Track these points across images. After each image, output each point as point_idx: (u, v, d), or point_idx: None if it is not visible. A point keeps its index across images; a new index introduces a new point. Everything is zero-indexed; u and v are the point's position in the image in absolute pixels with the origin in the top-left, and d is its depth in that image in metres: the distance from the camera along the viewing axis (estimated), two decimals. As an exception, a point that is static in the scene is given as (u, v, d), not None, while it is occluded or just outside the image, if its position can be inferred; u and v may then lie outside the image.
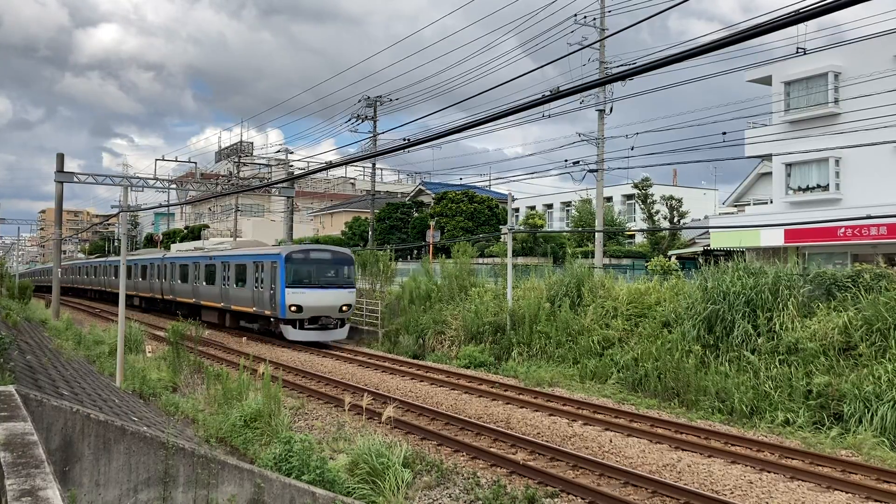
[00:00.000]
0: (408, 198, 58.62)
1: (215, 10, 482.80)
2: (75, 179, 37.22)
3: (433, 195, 50.31)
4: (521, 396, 17.77)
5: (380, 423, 14.32)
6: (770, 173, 33.51)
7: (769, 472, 11.66)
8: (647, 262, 32.12)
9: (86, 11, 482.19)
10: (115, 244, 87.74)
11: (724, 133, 24.73)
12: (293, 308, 27.25)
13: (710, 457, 12.56)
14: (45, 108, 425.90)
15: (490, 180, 53.82)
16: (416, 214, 49.82)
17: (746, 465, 12.01)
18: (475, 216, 44.34)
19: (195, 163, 51.88)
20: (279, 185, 42.84)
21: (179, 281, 38.59)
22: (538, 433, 14.24)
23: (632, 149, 32.14)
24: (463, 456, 12.82)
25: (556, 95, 8.37)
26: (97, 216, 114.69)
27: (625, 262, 37.90)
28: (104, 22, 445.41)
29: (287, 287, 27.28)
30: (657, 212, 41.31)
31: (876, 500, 10.33)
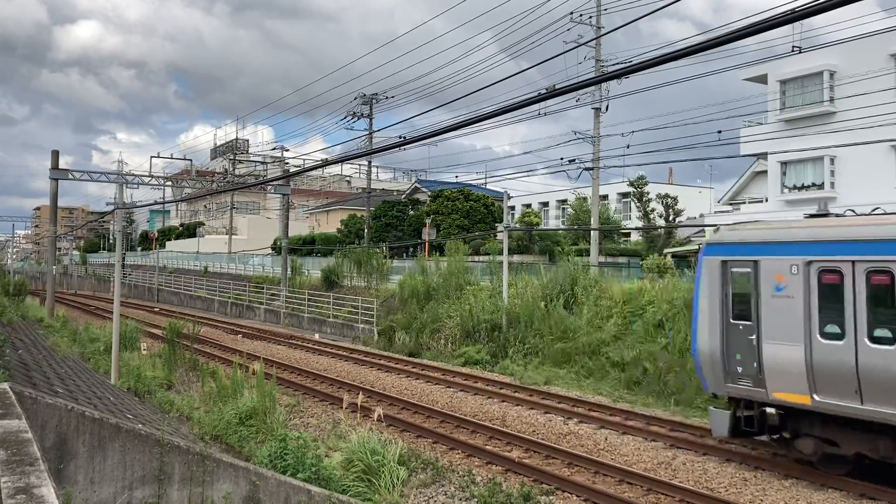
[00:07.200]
0: (404, 195, 58.51)
1: (185, 4, 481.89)
2: (70, 177, 37.10)
3: (429, 193, 50.21)
4: (516, 394, 17.78)
5: (375, 420, 14.31)
6: (765, 172, 33.59)
7: (764, 469, 11.69)
8: (642, 260, 32.13)
9: (65, 9, 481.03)
10: (111, 241, 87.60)
11: (720, 132, 24.80)
12: None
13: (705, 455, 12.59)
14: (29, 105, 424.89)
15: (486, 178, 53.74)
16: (411, 212, 49.72)
17: (741, 463, 12.03)
18: (471, 214, 44.28)
19: (190, 160, 51.82)
20: (275, 183, 42.81)
21: None
22: (533, 431, 14.26)
23: (627, 147, 32.39)
24: (458, 454, 12.82)
25: (553, 93, 8.37)
26: (91, 213, 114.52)
27: (620, 260, 37.91)
28: (83, 19, 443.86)
29: None
30: (653, 210, 41.36)
31: (871, 499, 10.37)
